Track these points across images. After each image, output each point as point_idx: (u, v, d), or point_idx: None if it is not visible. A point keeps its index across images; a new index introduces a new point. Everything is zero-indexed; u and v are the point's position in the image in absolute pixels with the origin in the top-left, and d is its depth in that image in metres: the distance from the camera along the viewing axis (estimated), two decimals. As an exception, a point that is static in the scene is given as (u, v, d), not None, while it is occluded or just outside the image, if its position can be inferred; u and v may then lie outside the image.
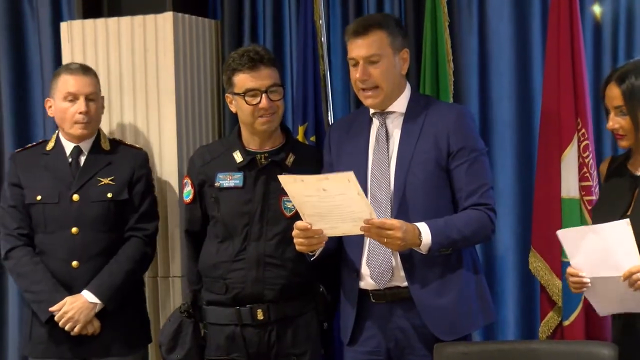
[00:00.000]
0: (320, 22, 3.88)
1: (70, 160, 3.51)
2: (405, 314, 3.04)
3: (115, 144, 3.61)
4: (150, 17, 3.81)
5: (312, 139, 3.81)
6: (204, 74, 3.97)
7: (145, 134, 3.82)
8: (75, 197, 3.45)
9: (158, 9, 3.83)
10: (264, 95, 3.20)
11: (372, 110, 3.14)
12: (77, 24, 3.92)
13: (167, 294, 3.80)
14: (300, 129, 3.82)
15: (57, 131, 3.58)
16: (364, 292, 3.07)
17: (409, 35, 3.63)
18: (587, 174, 3.44)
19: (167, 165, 3.78)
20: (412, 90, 3.18)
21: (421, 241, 2.89)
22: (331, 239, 2.98)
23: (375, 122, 3.13)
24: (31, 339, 3.49)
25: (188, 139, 3.85)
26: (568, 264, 2.91)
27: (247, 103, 3.21)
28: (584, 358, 2.88)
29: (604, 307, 2.92)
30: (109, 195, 3.47)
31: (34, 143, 3.70)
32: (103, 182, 3.48)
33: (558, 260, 3.45)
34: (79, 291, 3.41)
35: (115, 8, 4.01)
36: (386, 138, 3.09)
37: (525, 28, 3.82)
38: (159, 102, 3.80)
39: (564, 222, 3.45)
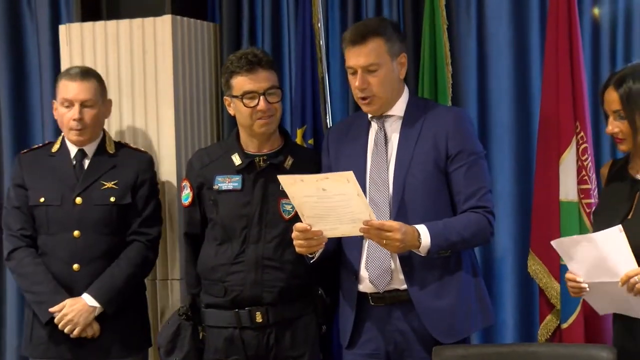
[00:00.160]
0: (319, 25, 3.88)
1: (74, 163, 3.51)
2: (404, 316, 3.04)
3: (121, 147, 3.61)
4: (149, 20, 3.81)
5: (311, 142, 3.81)
6: (202, 77, 3.97)
7: (143, 137, 3.82)
8: (78, 200, 3.45)
9: (157, 12, 3.82)
10: (262, 98, 3.20)
11: (369, 114, 3.14)
12: (76, 26, 3.92)
13: (166, 297, 3.79)
14: (299, 132, 3.82)
15: (62, 133, 3.58)
16: (363, 295, 3.07)
17: (407, 39, 3.64)
18: (586, 177, 3.44)
19: (165, 168, 3.78)
20: (411, 94, 3.19)
21: (420, 243, 2.89)
22: (330, 241, 2.98)
23: (374, 126, 3.14)
24: (32, 340, 3.49)
25: (187, 141, 3.84)
26: (566, 267, 2.91)
27: (245, 105, 3.21)
28: (583, 361, 2.89)
29: (604, 308, 2.92)
30: (112, 199, 3.47)
31: (40, 144, 3.69)
32: (106, 186, 3.48)
33: (556, 264, 3.45)
34: (80, 294, 3.42)
35: (114, 11, 4.00)
36: (385, 141, 3.09)
37: (523, 31, 3.82)
38: (158, 105, 3.80)
39: (562, 225, 3.46)
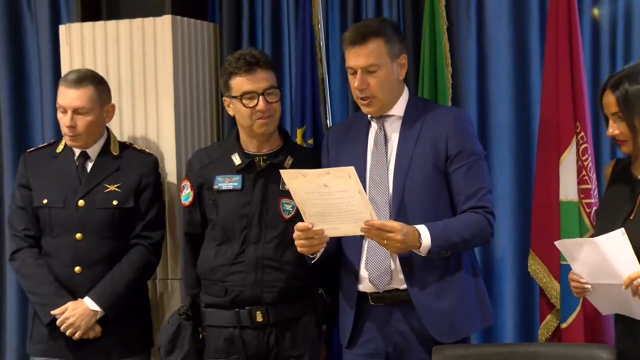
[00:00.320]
0: (319, 26, 3.88)
1: (77, 165, 3.51)
2: (404, 316, 3.04)
3: (125, 148, 3.60)
4: (149, 20, 3.81)
5: (310, 142, 3.81)
6: (202, 77, 3.97)
7: (143, 137, 3.81)
8: (81, 202, 3.45)
9: (157, 12, 3.82)
10: (261, 98, 3.20)
11: (368, 115, 3.14)
12: (76, 26, 3.92)
13: (166, 296, 3.79)
14: (299, 132, 3.82)
15: None
16: (363, 295, 3.08)
17: (407, 39, 3.64)
18: (586, 177, 3.44)
19: (165, 168, 3.77)
20: (410, 94, 3.19)
21: (421, 244, 2.90)
22: (331, 241, 2.98)
23: (374, 126, 3.14)
24: (32, 338, 3.50)
25: (187, 142, 3.84)
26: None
27: (244, 106, 3.22)
28: (583, 361, 2.89)
29: (606, 309, 2.92)
30: (115, 202, 3.46)
31: (46, 144, 3.69)
32: (109, 189, 3.47)
33: (557, 263, 3.45)
34: (82, 296, 3.42)
35: (114, 11, 4.00)
36: (385, 141, 3.10)
37: (523, 31, 3.82)
38: (158, 105, 3.80)
39: (562, 225, 3.46)
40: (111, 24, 3.86)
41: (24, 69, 4.46)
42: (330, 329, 3.37)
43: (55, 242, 3.46)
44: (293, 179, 2.85)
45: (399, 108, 3.12)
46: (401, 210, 3.01)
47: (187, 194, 3.36)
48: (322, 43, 3.89)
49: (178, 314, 3.34)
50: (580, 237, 3.39)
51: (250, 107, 3.21)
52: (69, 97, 3.43)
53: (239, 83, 3.22)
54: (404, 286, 3.01)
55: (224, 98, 3.33)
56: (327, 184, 2.77)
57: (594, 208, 3.42)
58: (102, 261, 3.45)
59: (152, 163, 3.59)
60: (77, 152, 3.52)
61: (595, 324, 3.42)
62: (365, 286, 3.06)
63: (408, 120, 3.10)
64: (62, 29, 3.96)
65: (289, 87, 4.06)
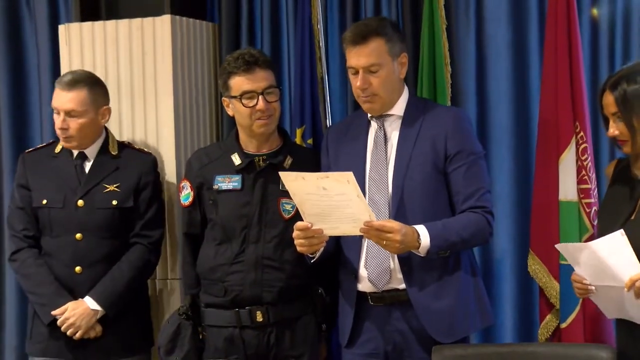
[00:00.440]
0: (318, 25, 3.88)
1: (75, 165, 3.51)
2: (403, 316, 3.04)
3: (124, 147, 3.60)
4: (148, 20, 3.80)
5: (310, 141, 3.81)
6: (201, 77, 3.97)
7: (143, 137, 3.81)
8: (80, 202, 3.45)
9: (156, 12, 3.82)
10: (260, 97, 3.20)
11: (369, 113, 3.14)
12: (75, 26, 3.91)
13: (167, 296, 3.79)
14: (298, 132, 3.82)
15: None
16: (362, 295, 3.08)
17: (406, 39, 3.64)
18: (586, 177, 3.44)
19: (165, 168, 3.77)
20: (410, 94, 3.19)
21: (420, 244, 2.89)
22: (330, 241, 2.98)
23: (374, 125, 3.14)
24: (32, 338, 3.50)
25: (186, 141, 3.84)
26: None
27: (244, 106, 3.22)
28: (582, 361, 2.89)
29: (611, 312, 2.90)
30: (114, 202, 3.47)
31: (44, 144, 3.69)
32: (108, 189, 3.47)
33: (556, 263, 3.45)
34: (82, 296, 3.42)
35: (113, 11, 4.00)
36: (384, 141, 3.10)
37: (522, 31, 3.82)
38: (157, 105, 3.80)
39: (562, 225, 3.46)
40: (110, 23, 3.86)
41: (23, 69, 4.46)
42: (330, 328, 3.37)
43: (55, 242, 3.46)
44: (292, 181, 2.85)
45: (399, 107, 3.12)
46: (400, 209, 3.01)
47: (186, 194, 3.36)
48: (322, 42, 3.89)
49: (178, 313, 3.34)
50: (580, 237, 3.40)
51: (249, 107, 3.21)
52: (62, 99, 3.43)
53: (238, 83, 3.22)
54: (403, 286, 3.02)
55: (223, 98, 3.33)
56: (325, 187, 2.77)
57: (594, 208, 3.43)
58: (102, 261, 3.45)
59: (150, 162, 3.59)
60: (75, 152, 3.52)
61: (595, 324, 3.42)
62: (364, 286, 3.06)
63: (408, 120, 3.10)
64: (61, 28, 3.95)
65: (288, 86, 4.06)
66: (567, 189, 3.46)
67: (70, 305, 3.39)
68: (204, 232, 3.35)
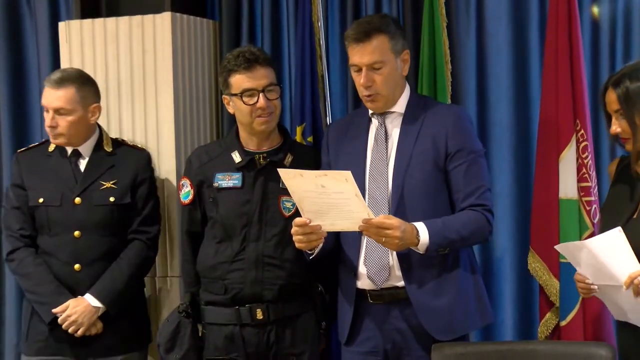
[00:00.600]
0: (319, 23, 3.88)
1: (71, 163, 3.51)
2: (402, 314, 3.04)
3: (118, 144, 3.60)
4: (148, 17, 3.80)
5: (310, 139, 3.81)
6: (202, 75, 3.97)
7: (143, 135, 3.81)
8: (78, 200, 3.45)
9: (156, 9, 3.82)
10: (261, 95, 3.20)
11: (371, 110, 3.14)
12: (75, 24, 3.91)
13: (166, 294, 3.80)
14: (298, 130, 3.82)
15: None
16: (362, 292, 3.08)
17: (406, 37, 3.64)
18: (586, 175, 3.44)
19: (165, 165, 3.78)
20: (411, 91, 3.19)
21: (419, 241, 2.89)
22: (329, 237, 2.98)
23: (375, 122, 3.14)
24: (29, 337, 3.49)
25: (186, 139, 3.84)
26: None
27: (244, 103, 3.21)
28: (582, 359, 2.88)
29: (618, 314, 2.88)
30: (112, 199, 3.47)
31: (37, 143, 3.69)
32: (105, 186, 3.48)
33: (556, 261, 3.45)
34: (82, 294, 3.42)
35: (113, 8, 4.00)
36: (385, 138, 3.10)
37: (523, 29, 3.82)
38: (157, 103, 3.80)
39: (562, 223, 3.46)
40: (110, 21, 3.86)
41: (23, 67, 4.46)
42: (330, 326, 3.37)
43: (54, 241, 3.46)
44: (291, 178, 2.85)
45: (401, 105, 3.12)
46: (400, 207, 3.00)
47: (187, 192, 3.36)
48: (322, 40, 3.89)
49: (177, 311, 3.34)
50: (580, 235, 3.40)
51: (250, 105, 3.20)
52: (51, 97, 3.44)
53: (239, 80, 3.22)
54: (402, 284, 3.01)
55: (223, 96, 3.33)
56: (324, 185, 2.77)
57: (594, 206, 3.43)
58: (101, 258, 3.45)
59: (146, 158, 3.60)
60: (70, 150, 3.52)
61: (595, 322, 3.42)
62: (363, 283, 3.06)
63: (409, 117, 3.10)
64: (62, 26, 3.95)
65: (288, 84, 4.06)
66: (568, 187, 3.46)
67: (72, 302, 3.39)
68: (204, 230, 3.35)
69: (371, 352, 3.10)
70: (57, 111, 3.43)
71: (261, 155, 3.26)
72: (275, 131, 3.33)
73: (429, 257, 2.95)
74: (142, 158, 3.59)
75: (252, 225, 3.23)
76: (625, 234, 2.69)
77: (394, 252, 2.98)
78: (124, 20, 3.84)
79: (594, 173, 3.46)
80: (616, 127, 2.87)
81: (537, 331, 3.57)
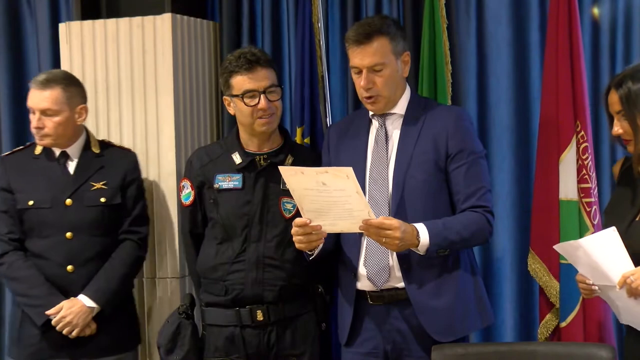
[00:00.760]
0: (319, 24, 3.88)
1: (59, 165, 3.51)
2: (402, 315, 3.04)
3: (105, 146, 3.61)
4: (148, 19, 3.81)
5: (307, 140, 3.81)
6: (202, 76, 3.97)
7: (143, 136, 3.82)
8: (69, 201, 3.45)
9: (156, 10, 3.83)
10: (262, 96, 3.20)
11: (371, 112, 3.14)
12: (76, 25, 3.92)
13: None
14: (299, 131, 3.82)
15: None
16: (362, 293, 3.08)
17: (407, 37, 3.64)
18: (587, 176, 3.44)
19: (165, 166, 3.79)
20: (412, 92, 3.19)
21: (419, 242, 2.89)
22: (329, 238, 2.98)
23: (375, 123, 3.14)
24: (20, 341, 3.48)
25: (186, 140, 3.85)
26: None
27: (246, 104, 3.21)
28: (582, 360, 2.89)
29: (623, 316, 2.87)
30: (103, 199, 3.47)
31: (22, 146, 3.67)
32: (96, 187, 3.48)
33: (556, 262, 3.45)
34: (75, 295, 3.42)
35: (113, 9, 4.01)
36: (385, 139, 3.10)
37: (523, 30, 3.82)
38: (157, 104, 3.80)
39: (562, 224, 3.46)
40: (111, 22, 3.86)
41: (24, 67, 4.47)
42: (330, 327, 3.37)
43: (45, 243, 3.45)
44: (291, 175, 2.85)
45: (401, 106, 3.12)
46: (400, 208, 3.00)
47: (187, 194, 3.36)
48: (322, 41, 3.89)
49: (178, 313, 3.34)
50: (580, 236, 3.39)
51: (251, 106, 3.20)
52: (37, 98, 3.43)
53: (240, 82, 3.22)
54: (402, 285, 3.01)
55: (224, 97, 3.33)
56: (325, 182, 2.77)
57: (594, 207, 3.43)
58: (94, 259, 3.46)
59: (133, 159, 3.62)
60: (58, 152, 3.51)
61: (595, 323, 3.43)
62: (363, 284, 3.06)
63: (409, 119, 3.10)
64: (62, 27, 3.96)
65: (288, 85, 4.06)
66: (568, 188, 3.46)
67: (66, 304, 3.39)
68: (205, 231, 3.35)
69: (371, 352, 3.10)
70: (44, 112, 3.43)
71: (262, 157, 3.26)
72: (276, 132, 3.33)
73: (429, 258, 2.95)
74: (130, 159, 3.60)
75: (252, 226, 3.23)
76: (627, 238, 2.69)
77: (394, 253, 2.98)
78: (124, 21, 3.84)
79: (594, 174, 3.46)
80: (618, 128, 2.87)
81: (537, 332, 3.58)
